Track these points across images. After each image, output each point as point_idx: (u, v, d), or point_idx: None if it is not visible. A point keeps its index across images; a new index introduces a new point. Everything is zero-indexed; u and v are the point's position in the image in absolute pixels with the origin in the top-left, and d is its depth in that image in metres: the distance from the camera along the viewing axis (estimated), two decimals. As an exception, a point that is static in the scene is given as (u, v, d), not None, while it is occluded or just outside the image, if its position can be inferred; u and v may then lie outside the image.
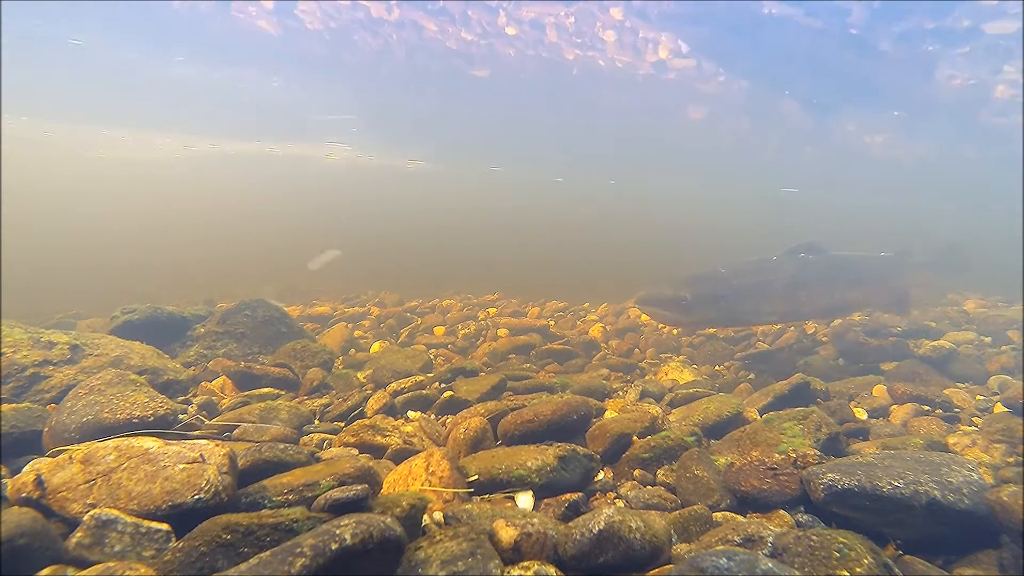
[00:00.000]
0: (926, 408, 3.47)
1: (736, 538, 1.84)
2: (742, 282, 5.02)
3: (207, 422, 3.13)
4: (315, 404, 3.67)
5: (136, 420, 2.61)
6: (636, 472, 2.62)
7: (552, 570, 1.64)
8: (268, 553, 1.42)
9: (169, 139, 23.62)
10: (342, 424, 3.34)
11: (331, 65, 12.57)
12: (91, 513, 1.70)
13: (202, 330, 5.01)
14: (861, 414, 3.46)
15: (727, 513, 2.23)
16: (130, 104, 17.16)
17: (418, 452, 2.72)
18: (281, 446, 2.25)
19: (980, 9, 8.00)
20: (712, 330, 6.32)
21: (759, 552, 1.72)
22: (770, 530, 1.87)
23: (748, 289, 4.96)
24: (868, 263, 5.61)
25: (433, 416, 3.52)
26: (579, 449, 2.58)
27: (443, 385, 3.96)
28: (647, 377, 4.78)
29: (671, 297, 4.86)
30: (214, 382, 4.11)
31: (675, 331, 6.53)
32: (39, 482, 1.88)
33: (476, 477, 2.35)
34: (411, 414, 3.55)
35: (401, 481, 2.35)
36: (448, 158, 26.27)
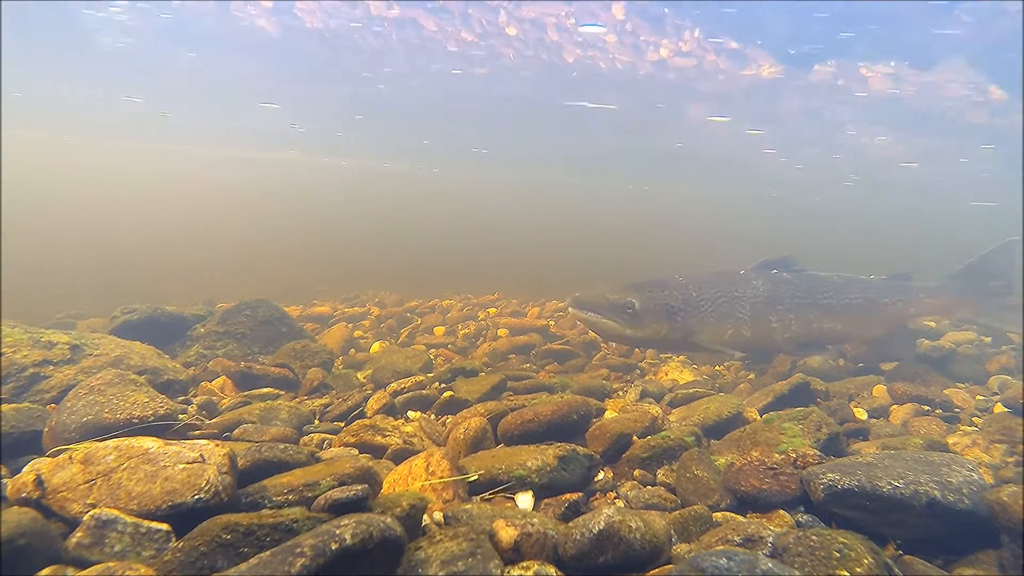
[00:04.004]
0: (926, 408, 3.47)
1: (736, 538, 1.84)
2: (703, 296, 4.16)
3: (207, 422, 3.13)
4: (315, 404, 3.67)
5: (136, 420, 2.61)
6: (636, 472, 2.62)
7: (552, 570, 1.64)
8: (268, 553, 1.42)
9: (170, 140, 23.66)
10: (342, 424, 3.34)
11: (330, 66, 12.58)
12: (91, 513, 1.70)
13: (202, 330, 5.01)
14: (861, 414, 3.46)
15: (727, 513, 2.23)
16: (130, 103, 17.18)
17: (418, 452, 2.72)
18: (281, 446, 2.25)
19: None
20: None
21: (759, 552, 1.72)
22: (770, 530, 1.87)
23: (710, 305, 4.13)
24: (853, 287, 4.61)
25: (433, 416, 3.52)
26: (579, 449, 2.58)
27: (443, 385, 3.96)
28: (647, 377, 4.78)
29: (615, 303, 4.00)
30: (214, 382, 4.11)
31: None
32: (39, 482, 1.88)
33: (476, 478, 2.35)
34: (411, 414, 3.55)
35: (401, 481, 2.35)
36: (449, 159, 26.31)
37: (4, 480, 2.02)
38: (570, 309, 4.16)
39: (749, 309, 4.20)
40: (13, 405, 2.71)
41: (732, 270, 4.54)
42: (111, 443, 1.98)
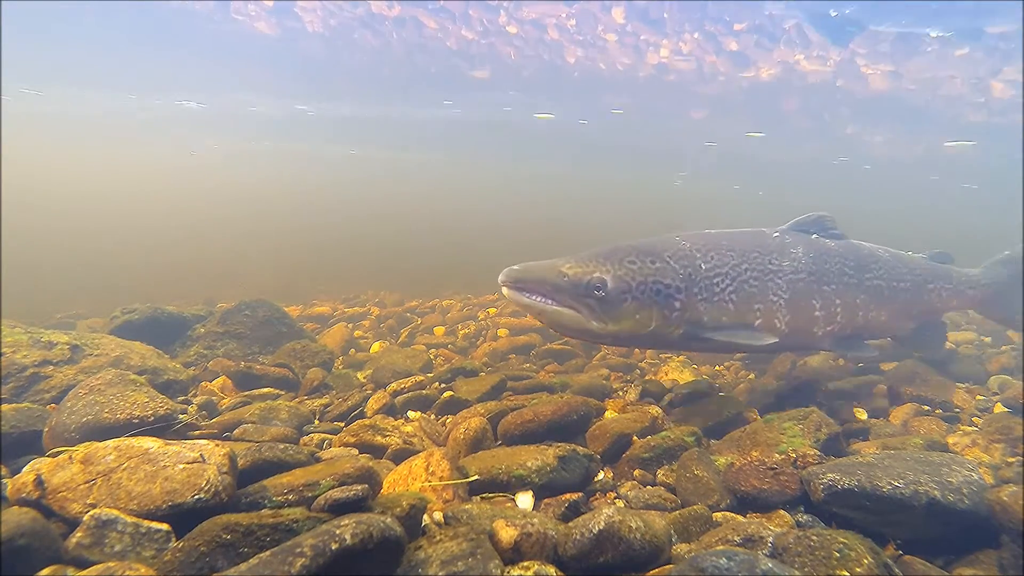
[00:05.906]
0: (926, 408, 3.47)
1: (736, 538, 1.84)
2: (719, 268, 2.93)
3: (207, 422, 3.13)
4: (315, 404, 3.67)
5: (136, 420, 2.61)
6: (636, 472, 2.62)
7: (552, 570, 1.64)
8: (268, 553, 1.42)
9: (170, 139, 23.66)
10: (342, 424, 3.34)
11: (331, 66, 12.59)
12: (91, 513, 1.70)
13: (202, 330, 5.00)
14: (861, 414, 3.45)
15: (727, 513, 2.23)
16: (131, 103, 17.18)
17: (418, 452, 2.72)
18: (281, 446, 2.25)
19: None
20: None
21: (759, 552, 1.72)
22: (770, 530, 1.87)
23: (730, 282, 2.92)
24: (901, 266, 3.55)
25: (433, 416, 3.52)
26: (579, 449, 2.58)
27: (443, 385, 3.96)
28: (647, 377, 4.78)
29: (574, 282, 2.71)
30: (214, 382, 4.11)
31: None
32: (39, 482, 1.88)
33: (476, 477, 2.34)
34: (411, 414, 3.55)
35: (401, 481, 2.35)
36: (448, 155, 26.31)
37: (4, 480, 2.02)
38: (504, 291, 2.82)
39: (788, 289, 3.04)
40: (13, 405, 2.71)
41: (761, 230, 3.36)
42: (111, 443, 1.98)
